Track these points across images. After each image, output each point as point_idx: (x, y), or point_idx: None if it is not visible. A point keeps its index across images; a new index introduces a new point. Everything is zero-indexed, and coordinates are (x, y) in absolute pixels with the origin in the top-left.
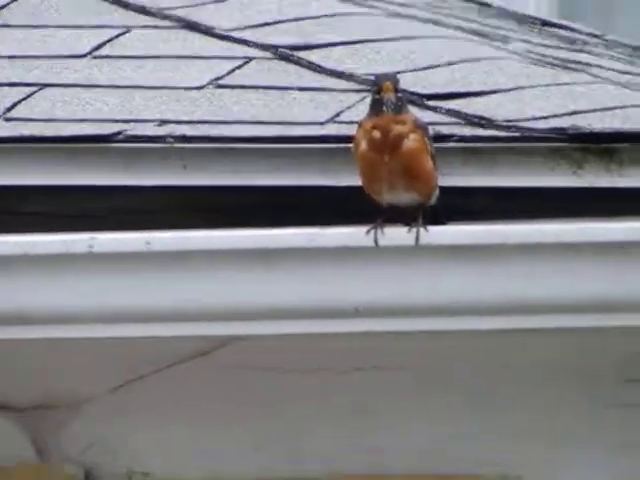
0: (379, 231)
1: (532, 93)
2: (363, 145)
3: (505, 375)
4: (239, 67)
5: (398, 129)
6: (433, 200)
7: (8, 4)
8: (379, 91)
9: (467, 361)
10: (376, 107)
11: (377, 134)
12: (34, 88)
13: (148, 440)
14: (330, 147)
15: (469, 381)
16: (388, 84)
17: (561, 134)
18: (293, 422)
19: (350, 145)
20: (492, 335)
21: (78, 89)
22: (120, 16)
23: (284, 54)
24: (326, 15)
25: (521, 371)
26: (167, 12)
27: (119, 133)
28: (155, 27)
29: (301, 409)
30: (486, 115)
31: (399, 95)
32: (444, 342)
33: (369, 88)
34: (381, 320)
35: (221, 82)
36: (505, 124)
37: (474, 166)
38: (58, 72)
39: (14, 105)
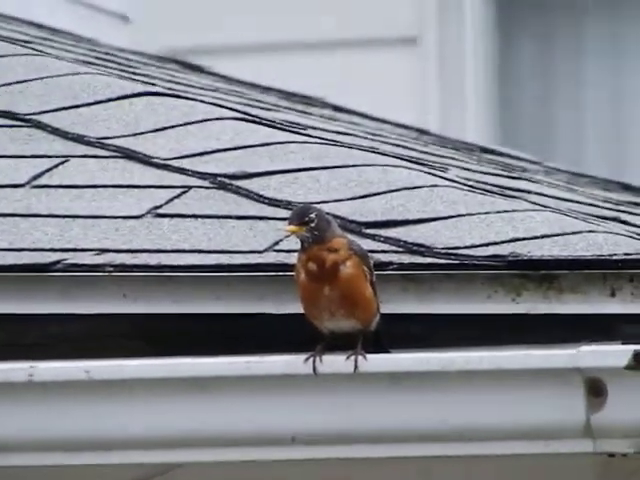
0: (318, 359)
1: (471, 220)
2: (302, 275)
3: None
4: (178, 196)
5: (332, 258)
6: (373, 326)
7: None
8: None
9: None
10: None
11: (312, 265)
12: None
13: None
14: (269, 275)
15: None
16: (290, 228)
17: (500, 261)
18: None
19: (288, 273)
20: (430, 462)
21: (17, 218)
22: (59, 145)
23: (222, 183)
24: (265, 144)
25: None
26: (105, 141)
27: (58, 262)
28: (93, 156)
29: None
30: (425, 243)
31: (312, 226)
32: (383, 469)
33: None
34: (318, 448)
35: (160, 211)
36: (444, 252)
37: (413, 293)
38: None
39: None
